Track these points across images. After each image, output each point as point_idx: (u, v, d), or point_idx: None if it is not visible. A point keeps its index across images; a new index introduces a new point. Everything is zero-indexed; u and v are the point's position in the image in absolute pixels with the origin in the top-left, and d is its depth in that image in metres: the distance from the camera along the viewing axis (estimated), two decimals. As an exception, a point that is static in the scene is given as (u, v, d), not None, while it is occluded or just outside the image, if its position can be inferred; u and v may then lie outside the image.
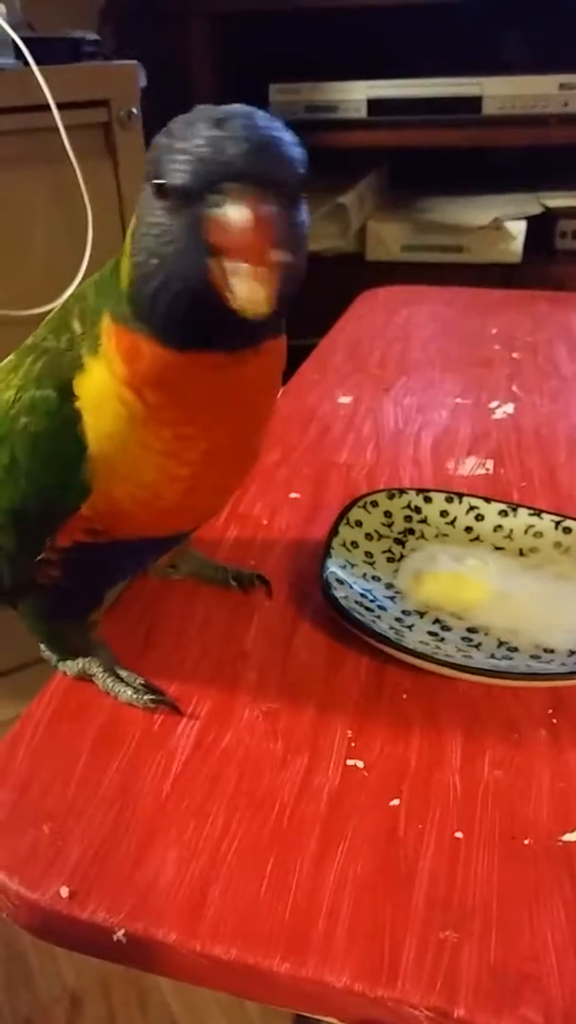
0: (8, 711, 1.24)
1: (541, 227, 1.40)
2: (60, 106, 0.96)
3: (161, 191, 0.29)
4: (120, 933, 0.30)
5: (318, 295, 1.45)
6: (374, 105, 1.38)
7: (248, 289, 0.28)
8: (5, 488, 0.36)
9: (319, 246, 1.42)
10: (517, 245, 1.39)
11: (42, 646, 0.42)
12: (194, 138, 0.28)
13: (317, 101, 1.40)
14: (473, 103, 1.36)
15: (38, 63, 0.94)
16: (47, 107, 0.95)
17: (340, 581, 0.44)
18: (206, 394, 0.33)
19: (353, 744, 0.38)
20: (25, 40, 0.95)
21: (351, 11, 1.36)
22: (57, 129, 0.96)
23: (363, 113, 1.39)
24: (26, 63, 0.95)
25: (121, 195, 1.08)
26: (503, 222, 1.38)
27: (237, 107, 0.30)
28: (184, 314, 0.30)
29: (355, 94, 1.38)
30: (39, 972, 0.96)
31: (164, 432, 0.33)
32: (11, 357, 0.38)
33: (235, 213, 0.27)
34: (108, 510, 0.35)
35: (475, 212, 1.41)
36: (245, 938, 0.30)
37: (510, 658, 0.42)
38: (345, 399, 0.70)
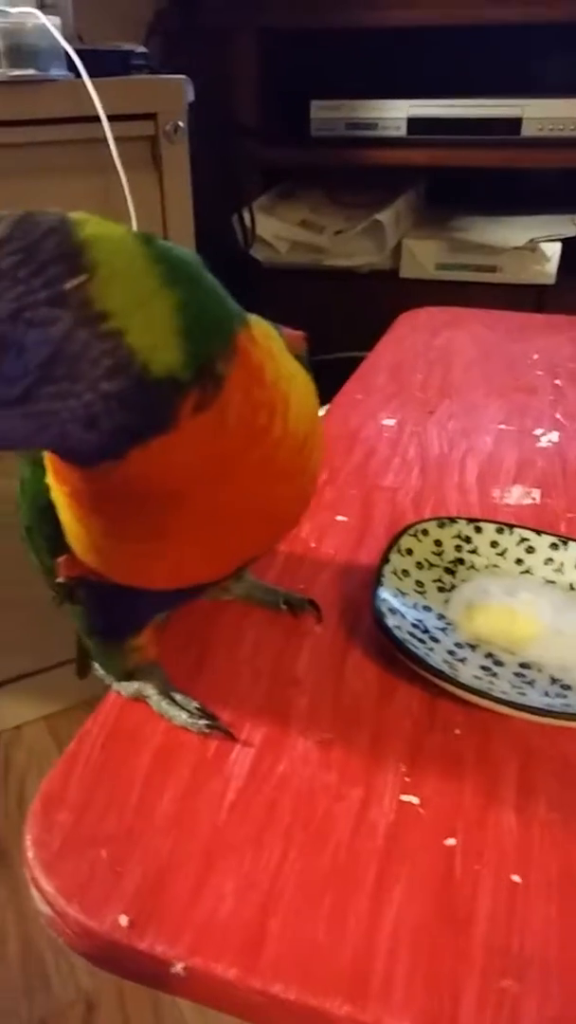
0: (32, 712, 1.25)
1: (576, 249, 1.40)
2: (109, 118, 0.97)
3: None
4: (179, 967, 0.30)
5: (351, 310, 1.45)
6: (414, 123, 1.39)
7: None
8: (20, 504, 0.38)
9: (354, 262, 1.43)
10: (551, 266, 1.39)
11: (96, 665, 0.42)
12: None
13: (358, 118, 1.41)
14: (513, 124, 1.36)
15: (89, 75, 0.96)
16: (96, 119, 0.96)
17: (392, 610, 0.44)
18: (119, 499, 0.31)
19: (407, 779, 0.37)
20: (77, 52, 0.96)
21: (395, 30, 1.37)
22: (105, 140, 0.97)
23: (403, 131, 1.40)
24: (78, 74, 0.96)
25: (164, 208, 1.09)
26: (538, 243, 1.38)
27: None
28: None
29: (396, 112, 1.39)
30: (55, 975, 0.96)
31: (108, 525, 0.33)
32: None
33: None
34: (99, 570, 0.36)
35: (510, 232, 1.41)
36: (305, 978, 0.30)
37: (563, 696, 0.41)
38: (389, 421, 0.70)
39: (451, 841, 0.35)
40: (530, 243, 1.38)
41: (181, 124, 1.08)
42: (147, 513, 0.31)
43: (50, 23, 0.95)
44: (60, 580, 0.37)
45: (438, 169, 1.49)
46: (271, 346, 0.33)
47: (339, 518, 0.56)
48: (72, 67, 0.97)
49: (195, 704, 0.40)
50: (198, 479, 0.31)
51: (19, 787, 1.17)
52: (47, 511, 0.35)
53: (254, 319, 0.34)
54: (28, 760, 1.21)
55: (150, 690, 0.40)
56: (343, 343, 1.18)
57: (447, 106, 1.38)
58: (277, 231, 1.43)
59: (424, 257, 1.43)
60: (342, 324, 1.33)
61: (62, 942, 0.33)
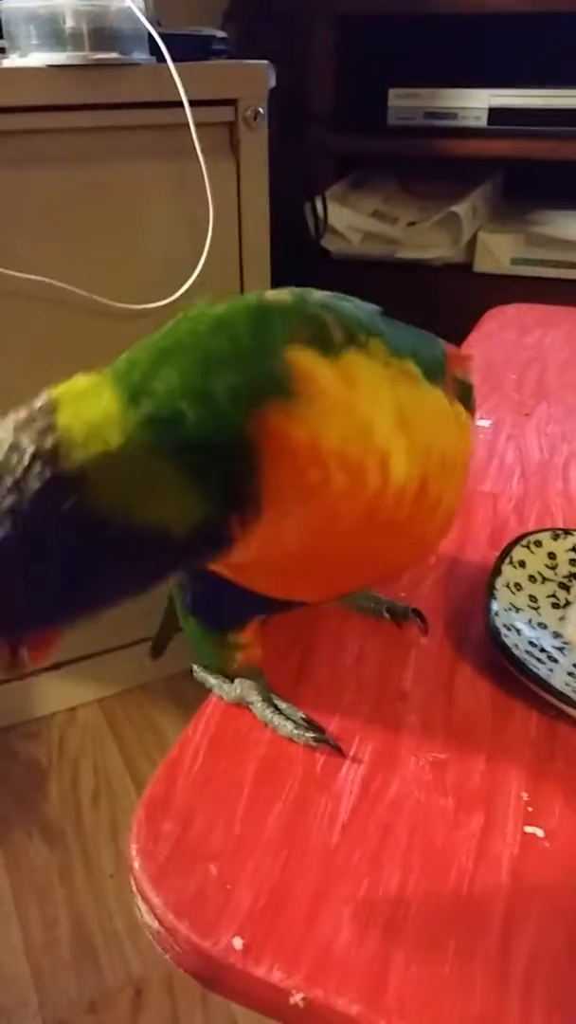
0: (87, 694, 1.26)
1: None
2: (190, 103, 0.95)
3: None
4: (298, 997, 0.28)
5: (423, 304, 1.42)
6: (495, 114, 1.34)
7: None
8: None
9: (427, 254, 1.39)
10: None
11: (195, 667, 0.41)
12: None
13: (437, 107, 1.37)
14: (601, 116, 1.30)
15: (171, 59, 0.94)
16: (177, 103, 0.95)
17: (507, 626, 0.41)
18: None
19: (530, 809, 0.35)
20: (159, 35, 0.95)
21: (476, 17, 1.32)
22: (186, 125, 0.96)
23: (483, 122, 1.35)
24: (160, 58, 0.95)
25: (240, 195, 1.08)
26: (621, 240, 1.32)
27: None
28: None
29: (476, 102, 1.34)
30: (105, 958, 0.96)
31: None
32: None
33: None
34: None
35: (591, 228, 1.35)
36: (434, 1020, 0.28)
37: None
38: (484, 422, 0.67)
39: (582, 880, 0.32)
40: (612, 239, 1.32)
41: (261, 110, 1.06)
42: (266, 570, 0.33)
43: (133, 6, 0.94)
44: None
45: (517, 161, 1.43)
46: (358, 389, 0.29)
47: (437, 522, 0.53)
48: (154, 51, 0.96)
49: (301, 715, 0.38)
50: (288, 551, 0.31)
51: (73, 769, 1.18)
52: None
53: (368, 344, 0.30)
54: (82, 742, 1.22)
55: (254, 696, 0.38)
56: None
57: (531, 96, 1.32)
58: (350, 221, 1.40)
59: (499, 251, 1.38)
60: (413, 318, 1.29)
61: (168, 958, 0.31)
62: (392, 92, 1.38)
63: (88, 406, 0.26)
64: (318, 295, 0.32)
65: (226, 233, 1.06)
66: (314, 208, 1.39)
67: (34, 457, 0.25)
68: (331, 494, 0.29)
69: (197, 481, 0.26)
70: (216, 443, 0.27)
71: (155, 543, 0.27)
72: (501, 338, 0.84)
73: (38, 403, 0.27)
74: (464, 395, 0.36)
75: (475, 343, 0.83)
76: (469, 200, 1.38)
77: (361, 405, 0.29)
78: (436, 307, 1.25)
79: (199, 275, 1.00)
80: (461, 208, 1.35)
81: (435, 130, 1.37)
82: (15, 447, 0.25)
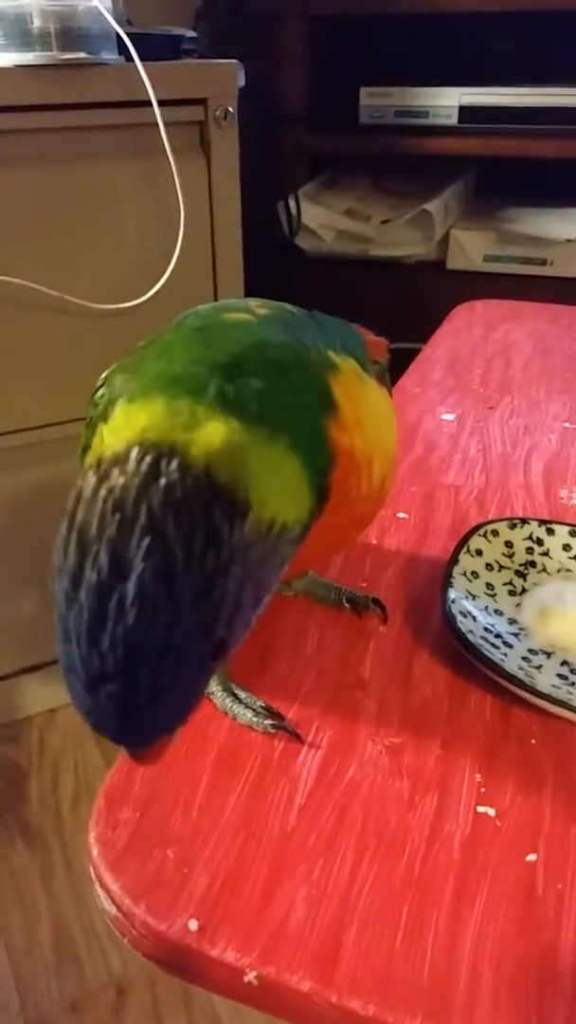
0: (66, 695, 1.26)
1: (632, 244, 1.35)
2: (159, 103, 0.95)
3: None
4: (252, 975, 0.29)
5: (397, 301, 1.42)
6: (466, 112, 1.35)
7: None
8: None
9: (400, 252, 1.40)
10: (605, 261, 1.35)
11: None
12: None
13: (408, 106, 1.38)
14: (568, 113, 1.32)
15: (140, 59, 0.94)
16: (146, 103, 0.95)
17: (463, 613, 0.42)
18: None
19: (483, 789, 0.36)
20: (128, 36, 0.95)
21: (446, 16, 1.34)
22: (155, 125, 0.96)
23: (454, 120, 1.36)
24: (129, 58, 0.95)
25: (212, 194, 1.08)
26: (591, 237, 1.34)
27: None
28: None
29: (447, 100, 1.35)
30: (87, 958, 0.96)
31: None
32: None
33: None
34: None
35: (562, 225, 1.37)
36: (384, 994, 0.28)
37: None
38: (448, 416, 0.68)
39: (532, 857, 0.33)
40: (582, 236, 1.33)
41: (231, 110, 1.06)
42: None
43: (101, 6, 0.94)
44: None
45: (489, 159, 1.45)
46: (358, 402, 0.33)
47: (400, 515, 0.54)
48: (123, 51, 0.96)
49: (260, 703, 0.38)
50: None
51: (53, 770, 1.17)
52: None
53: (343, 362, 0.33)
54: (62, 743, 1.22)
55: (214, 687, 0.39)
56: (388, 335, 1.16)
57: (500, 94, 1.34)
58: (323, 220, 1.41)
59: (472, 248, 1.40)
60: (387, 315, 1.30)
61: (126, 942, 0.32)
62: (364, 91, 1.39)
63: (207, 437, 0.25)
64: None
65: (198, 232, 1.06)
66: (287, 207, 1.40)
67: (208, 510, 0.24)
68: (354, 495, 0.33)
69: (312, 486, 0.29)
70: (319, 449, 0.30)
71: (287, 550, 0.28)
72: (468, 334, 0.85)
73: (141, 457, 0.24)
74: (382, 377, 0.38)
75: (442, 339, 0.84)
76: (441, 198, 1.40)
77: (361, 415, 0.33)
78: (409, 304, 1.27)
79: (171, 275, 1.01)
80: (433, 206, 1.36)
81: (406, 128, 1.38)
82: (180, 514, 0.23)
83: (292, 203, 1.40)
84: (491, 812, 0.35)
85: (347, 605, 0.45)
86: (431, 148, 1.37)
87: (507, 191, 1.50)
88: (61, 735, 1.23)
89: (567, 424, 0.67)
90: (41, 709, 1.26)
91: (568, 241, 1.34)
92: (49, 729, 1.24)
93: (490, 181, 1.57)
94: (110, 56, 0.97)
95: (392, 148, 1.40)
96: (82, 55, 0.95)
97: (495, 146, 1.36)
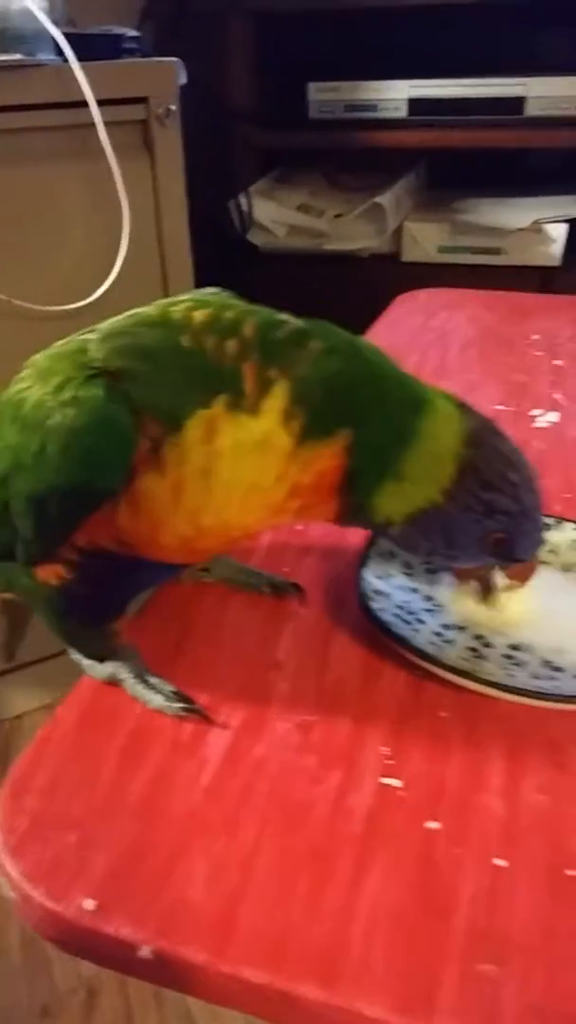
0: (33, 701, 1.25)
1: (582, 230, 1.37)
2: (99, 102, 0.96)
3: (499, 545, 0.38)
4: (146, 950, 0.29)
5: (352, 295, 1.44)
6: (415, 105, 1.36)
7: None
8: (32, 474, 0.35)
9: (354, 246, 1.41)
10: (557, 248, 1.36)
11: (70, 649, 0.42)
12: (537, 530, 0.39)
13: (357, 100, 1.39)
14: (516, 104, 1.33)
15: (78, 59, 0.94)
16: (86, 103, 0.95)
17: (378, 592, 0.43)
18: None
19: (390, 762, 0.36)
20: (65, 35, 0.95)
21: (392, 10, 1.34)
22: (95, 125, 0.96)
23: (403, 113, 1.37)
24: (66, 59, 0.95)
25: (157, 192, 1.08)
26: (543, 224, 1.35)
27: (536, 479, 0.39)
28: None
29: (396, 93, 1.36)
30: (57, 962, 0.96)
31: (289, 505, 0.36)
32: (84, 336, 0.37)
33: (532, 565, 0.41)
34: (148, 535, 0.35)
35: (514, 214, 1.38)
36: (276, 961, 0.29)
37: (554, 678, 0.40)
38: (382, 402, 0.68)
39: (433, 824, 0.34)
40: (535, 224, 1.35)
41: (173, 108, 1.06)
42: None
43: (35, 6, 0.94)
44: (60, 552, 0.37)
45: (439, 151, 1.46)
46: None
47: (327, 499, 0.55)
48: (61, 51, 0.96)
49: (170, 687, 0.39)
50: None
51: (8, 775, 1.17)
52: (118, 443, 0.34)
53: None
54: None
55: (125, 673, 0.39)
56: (344, 328, 1.16)
57: (448, 86, 1.35)
58: (275, 215, 1.42)
59: (426, 240, 1.41)
60: (343, 309, 1.29)
61: (28, 927, 0.32)
62: (312, 86, 1.40)
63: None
64: None
65: (144, 231, 1.06)
66: (238, 204, 1.40)
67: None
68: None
69: None
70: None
71: None
72: (409, 322, 0.86)
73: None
74: None
75: (381, 329, 0.85)
76: (393, 191, 1.40)
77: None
78: (365, 298, 1.27)
79: (118, 274, 1.01)
80: (385, 199, 1.37)
81: (356, 122, 1.39)
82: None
83: (243, 200, 1.40)
84: (396, 783, 0.35)
85: (267, 590, 0.46)
86: (382, 141, 1.38)
87: (459, 182, 1.52)
88: (29, 740, 1.22)
89: (500, 407, 0.68)
90: (8, 715, 1.25)
91: (520, 230, 1.36)
92: (16, 735, 1.24)
93: (442, 173, 1.58)
94: (47, 57, 0.97)
95: (343, 143, 1.41)
96: (18, 56, 0.95)
97: (444, 138, 1.37)
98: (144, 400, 0.33)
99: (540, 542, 0.40)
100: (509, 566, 0.40)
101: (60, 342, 0.38)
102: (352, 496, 0.36)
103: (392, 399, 0.36)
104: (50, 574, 0.38)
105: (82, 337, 0.37)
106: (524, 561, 0.40)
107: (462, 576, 0.42)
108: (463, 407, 0.38)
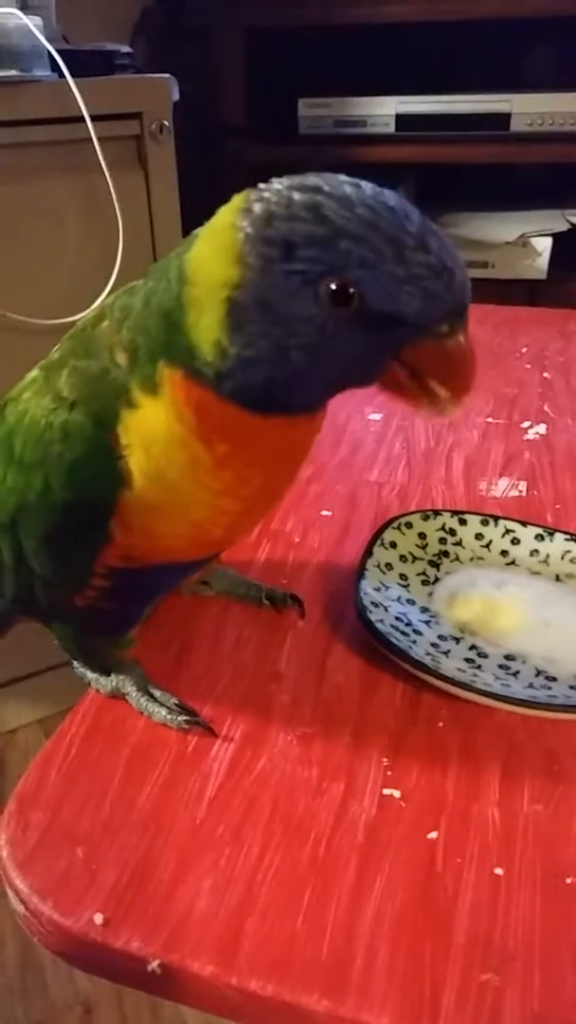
0: (26, 716, 1.25)
1: (567, 244, 1.39)
2: (93, 118, 0.97)
3: (343, 299, 0.29)
4: (155, 964, 0.30)
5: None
6: (403, 120, 1.39)
7: (452, 407, 0.32)
8: (38, 514, 0.36)
9: (344, 259, 1.42)
10: (543, 261, 1.39)
11: (75, 663, 0.42)
12: (413, 265, 0.29)
13: (346, 116, 1.41)
14: (502, 120, 1.36)
15: (73, 75, 0.95)
16: (81, 119, 0.96)
17: (375, 604, 0.44)
18: (272, 446, 0.34)
19: (389, 773, 0.37)
20: (60, 52, 0.96)
21: (381, 27, 1.37)
22: (90, 140, 0.97)
23: (391, 128, 1.39)
24: (61, 75, 0.96)
25: (151, 207, 1.09)
26: (529, 238, 1.38)
27: (417, 215, 0.30)
28: (298, 396, 0.32)
29: (384, 109, 1.39)
30: (53, 978, 0.95)
31: (226, 475, 0.34)
32: (35, 372, 0.38)
33: (459, 350, 0.31)
34: (147, 543, 0.35)
35: (501, 228, 1.41)
36: (282, 973, 0.29)
37: (548, 688, 0.41)
38: (375, 416, 0.70)
39: (433, 834, 0.34)
40: (521, 238, 1.37)
41: (166, 123, 1.07)
42: (262, 468, 0.35)
43: (31, 23, 0.95)
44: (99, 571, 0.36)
45: (427, 165, 1.48)
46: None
47: (324, 513, 0.56)
48: (56, 68, 0.97)
49: (174, 700, 0.39)
50: (310, 437, 0.36)
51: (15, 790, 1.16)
52: (106, 468, 0.33)
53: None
54: (23, 763, 1.21)
55: (129, 687, 0.40)
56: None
57: (436, 102, 1.37)
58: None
59: (414, 254, 1.42)
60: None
61: (36, 941, 0.32)
62: (302, 102, 1.42)
63: None
64: None
65: (138, 245, 1.07)
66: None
67: None
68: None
69: None
70: (150, 353, 0.33)
71: None
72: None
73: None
74: None
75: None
76: (382, 205, 1.42)
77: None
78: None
79: (112, 288, 1.01)
80: (374, 213, 1.38)
81: (345, 138, 1.41)
82: None
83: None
84: (396, 794, 0.36)
85: (267, 602, 0.46)
86: (370, 156, 1.40)
87: (446, 197, 1.54)
88: (22, 755, 1.22)
89: (490, 419, 0.69)
90: (2, 730, 1.25)
91: (507, 243, 1.38)
92: (10, 749, 1.23)
93: (430, 187, 1.61)
94: (42, 73, 0.98)
95: (332, 158, 1.42)
96: (13, 72, 0.96)
97: (432, 153, 1.39)
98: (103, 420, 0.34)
99: (439, 295, 0.29)
100: (412, 347, 0.30)
101: (23, 382, 0.38)
102: (198, 384, 0.31)
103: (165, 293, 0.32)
104: (80, 600, 0.38)
105: (39, 371, 0.37)
106: (421, 329, 0.29)
107: (387, 387, 0.32)
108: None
